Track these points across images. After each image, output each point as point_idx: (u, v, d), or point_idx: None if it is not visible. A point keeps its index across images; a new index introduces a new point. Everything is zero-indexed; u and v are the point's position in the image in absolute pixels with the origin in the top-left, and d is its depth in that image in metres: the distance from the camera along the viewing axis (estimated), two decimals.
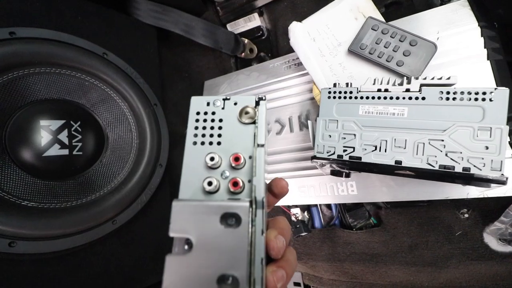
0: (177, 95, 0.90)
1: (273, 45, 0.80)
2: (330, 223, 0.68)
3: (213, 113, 0.24)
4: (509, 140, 0.43)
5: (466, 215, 0.55)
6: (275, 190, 0.31)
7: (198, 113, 0.24)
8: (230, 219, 0.20)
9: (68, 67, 0.58)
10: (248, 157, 0.23)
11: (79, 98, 0.60)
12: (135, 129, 0.65)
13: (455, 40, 0.47)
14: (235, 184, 0.22)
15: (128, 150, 0.64)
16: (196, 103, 0.24)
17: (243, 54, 0.82)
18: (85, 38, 0.62)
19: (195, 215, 0.20)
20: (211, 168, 0.23)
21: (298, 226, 0.66)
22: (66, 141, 0.57)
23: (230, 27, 0.82)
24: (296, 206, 0.71)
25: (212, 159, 0.22)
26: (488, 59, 0.45)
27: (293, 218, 0.70)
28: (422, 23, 0.50)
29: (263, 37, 0.81)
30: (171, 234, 0.20)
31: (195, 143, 0.23)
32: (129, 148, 0.64)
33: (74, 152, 0.58)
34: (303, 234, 0.66)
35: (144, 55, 0.74)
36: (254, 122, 0.24)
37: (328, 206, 0.69)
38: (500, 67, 0.44)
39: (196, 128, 0.24)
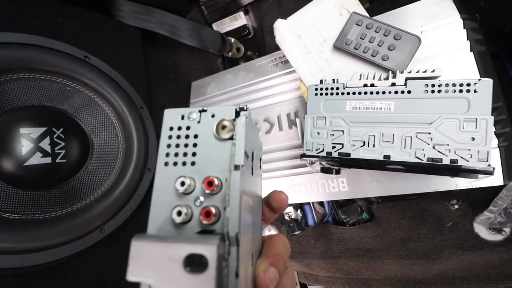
0: (164, 97, 0.88)
1: (260, 44, 0.79)
2: (323, 220, 0.68)
3: (188, 128, 0.21)
4: (495, 130, 0.44)
5: (456, 206, 0.56)
6: (273, 204, 0.28)
7: (171, 129, 0.21)
8: (195, 262, 0.16)
9: (48, 72, 0.56)
10: (225, 180, 0.19)
11: (61, 104, 0.58)
12: (121, 133, 0.63)
13: (439, 32, 0.47)
14: (207, 214, 0.18)
15: (114, 156, 0.62)
16: (169, 117, 0.21)
17: (230, 53, 0.81)
18: (66, 42, 0.60)
19: (155, 257, 0.17)
20: (183, 193, 0.19)
21: (291, 225, 0.66)
22: (48, 149, 0.55)
23: (216, 26, 0.81)
24: (289, 205, 0.71)
25: (182, 184, 0.19)
26: (471, 51, 0.45)
27: (286, 217, 0.70)
28: (406, 17, 0.50)
29: (250, 36, 0.81)
30: (129, 278, 0.17)
31: (166, 163, 0.20)
32: (115, 153, 0.63)
33: (58, 160, 0.56)
34: (296, 233, 0.66)
35: (128, 57, 0.72)
36: (232, 138, 0.20)
37: (321, 203, 0.68)
38: (483, 58, 0.45)
39: (169, 146, 0.20)
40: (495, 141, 0.43)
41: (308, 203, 0.69)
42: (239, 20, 0.79)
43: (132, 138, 0.63)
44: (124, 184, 0.60)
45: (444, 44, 0.47)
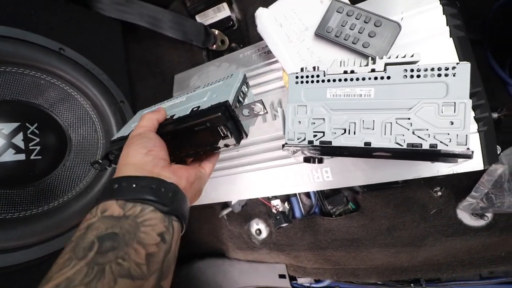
0: (148, 91, 0.86)
1: (244, 35, 0.78)
2: (310, 212, 0.68)
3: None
4: (474, 115, 0.44)
5: (439, 193, 0.56)
6: None
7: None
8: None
9: (21, 65, 0.54)
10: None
11: (35, 98, 0.56)
12: (100, 128, 0.62)
13: (419, 19, 0.47)
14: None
15: (93, 151, 0.61)
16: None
17: (214, 46, 0.79)
18: (40, 34, 0.57)
19: None
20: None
21: (278, 217, 0.65)
22: (21, 145, 0.53)
23: (199, 18, 0.80)
24: (276, 198, 0.70)
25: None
26: (451, 36, 0.45)
27: (273, 210, 0.69)
28: (387, 4, 0.50)
29: (234, 28, 0.79)
30: None
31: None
32: (94, 149, 0.61)
33: (32, 157, 0.54)
34: (283, 225, 0.65)
35: (108, 50, 0.70)
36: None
37: (307, 195, 0.68)
38: (463, 43, 0.45)
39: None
40: (474, 126, 0.43)
41: (295, 195, 0.69)
42: (223, 11, 0.77)
43: (112, 132, 0.62)
44: (104, 181, 0.59)
45: (425, 30, 0.47)
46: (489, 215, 0.55)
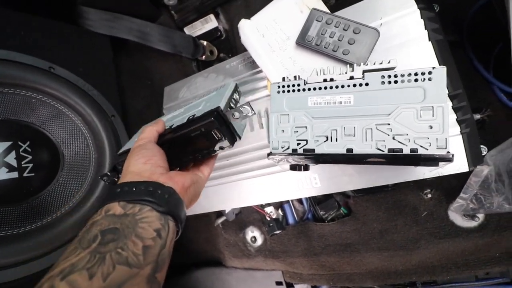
0: (140, 104, 0.87)
1: (232, 45, 0.79)
2: (303, 218, 0.68)
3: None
4: (456, 117, 0.44)
5: (429, 195, 0.56)
6: None
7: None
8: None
9: (11, 85, 0.56)
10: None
11: (27, 117, 0.57)
12: (92, 143, 0.63)
13: (398, 24, 0.48)
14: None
15: (86, 166, 0.62)
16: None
17: (203, 56, 0.81)
18: (29, 54, 0.59)
19: None
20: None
21: (271, 225, 0.66)
22: (14, 163, 0.54)
23: (187, 30, 0.81)
24: (269, 205, 0.70)
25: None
26: (429, 40, 0.45)
27: (267, 217, 0.69)
28: (366, 11, 0.50)
29: (222, 38, 0.81)
30: None
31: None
32: (87, 163, 0.62)
33: (25, 174, 0.55)
34: (277, 232, 0.66)
35: (98, 65, 0.72)
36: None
37: (300, 201, 0.68)
38: (441, 46, 0.45)
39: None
40: (457, 128, 0.44)
41: (288, 202, 0.69)
42: (210, 23, 0.78)
43: (104, 147, 0.63)
44: (98, 194, 0.60)
45: (404, 35, 0.47)
46: (481, 215, 0.54)
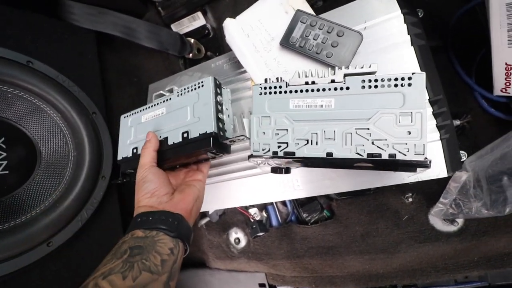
0: (126, 101, 0.86)
1: (220, 44, 0.78)
2: (287, 220, 0.67)
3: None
4: (436, 123, 0.44)
5: (411, 199, 0.57)
6: None
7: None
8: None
9: None
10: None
11: (2, 112, 0.56)
12: (71, 140, 0.61)
13: (381, 28, 0.48)
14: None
15: (64, 164, 0.60)
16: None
17: (191, 54, 0.79)
18: (7, 47, 0.57)
19: None
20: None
21: (254, 226, 0.65)
22: None
23: (174, 27, 0.80)
24: (253, 206, 0.70)
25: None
26: (412, 45, 0.45)
27: (250, 219, 0.69)
28: (351, 14, 0.50)
29: (210, 36, 0.80)
30: None
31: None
32: (65, 162, 0.60)
33: None
34: (259, 234, 0.65)
35: (81, 61, 0.70)
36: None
37: (283, 203, 0.68)
38: (423, 51, 0.45)
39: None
40: (437, 134, 0.44)
41: (272, 204, 0.69)
42: (198, 20, 0.77)
43: (84, 145, 0.61)
44: (75, 194, 0.58)
45: (387, 39, 0.47)
46: (460, 220, 0.55)
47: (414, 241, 0.56)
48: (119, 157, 0.55)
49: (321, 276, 0.65)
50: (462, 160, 0.48)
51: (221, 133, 0.47)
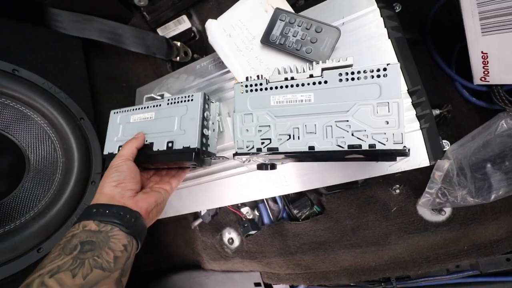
0: (115, 106, 0.85)
1: (206, 46, 0.78)
2: (278, 217, 0.68)
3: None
4: (416, 113, 0.45)
5: (398, 191, 0.57)
6: None
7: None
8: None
9: None
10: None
11: None
12: (60, 147, 0.61)
13: (359, 22, 0.48)
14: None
15: (53, 171, 0.60)
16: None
17: (178, 57, 0.80)
18: None
19: None
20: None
21: (246, 225, 0.65)
22: None
23: (161, 31, 0.80)
24: (244, 205, 0.70)
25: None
26: (389, 38, 0.46)
27: (243, 218, 0.69)
28: (329, 10, 0.51)
29: (196, 39, 0.80)
30: None
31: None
32: (54, 168, 0.60)
33: None
34: (252, 232, 0.65)
35: (67, 68, 0.70)
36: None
37: (274, 200, 0.68)
38: (400, 44, 0.46)
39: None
40: (417, 124, 0.44)
41: (263, 202, 0.69)
42: (183, 24, 0.78)
43: (72, 150, 0.61)
44: (64, 199, 0.58)
45: (365, 33, 0.48)
46: (448, 209, 0.56)
47: (403, 232, 0.57)
48: (105, 152, 0.57)
49: (315, 272, 0.65)
50: (444, 149, 0.49)
51: (204, 148, 0.51)
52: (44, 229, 0.54)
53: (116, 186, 0.43)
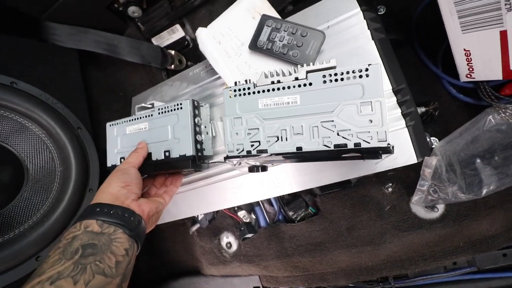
0: (113, 115, 0.88)
1: (200, 54, 0.80)
2: (274, 219, 0.68)
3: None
4: (401, 111, 0.46)
5: (391, 189, 0.57)
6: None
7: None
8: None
9: None
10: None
11: None
12: (57, 156, 0.62)
13: (344, 25, 0.50)
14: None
15: (51, 180, 0.61)
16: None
17: (173, 66, 0.82)
18: None
19: None
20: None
21: (242, 229, 0.66)
22: None
23: (155, 41, 0.82)
24: (241, 209, 0.71)
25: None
26: (372, 39, 0.47)
27: (239, 222, 0.69)
28: (315, 15, 0.52)
29: (190, 47, 0.82)
30: None
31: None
32: (52, 177, 0.61)
33: None
34: (248, 235, 0.66)
35: (64, 79, 0.72)
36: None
37: (270, 203, 0.69)
38: (384, 45, 0.47)
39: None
40: (402, 122, 0.45)
41: (258, 204, 0.69)
42: (177, 33, 0.80)
43: (70, 159, 0.63)
44: (62, 208, 0.59)
45: (350, 35, 0.49)
46: (441, 206, 0.56)
47: (398, 230, 0.57)
48: (109, 164, 0.59)
49: (313, 274, 0.65)
50: (433, 146, 0.49)
51: (200, 153, 0.52)
52: (42, 237, 0.55)
53: (123, 187, 0.42)
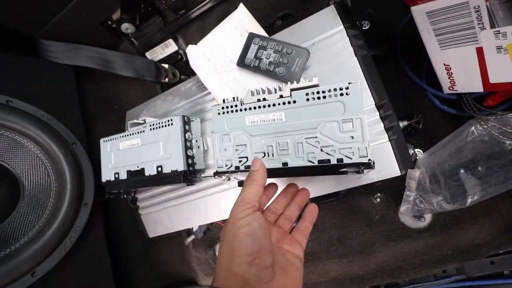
0: (109, 129, 0.89)
1: None
2: None
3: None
4: (384, 125, 0.47)
5: (379, 200, 0.59)
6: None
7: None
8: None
9: None
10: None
11: None
12: (53, 172, 0.64)
13: (328, 42, 0.51)
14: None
15: (47, 195, 0.62)
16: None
17: (166, 79, 0.83)
18: None
19: None
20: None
21: None
22: None
23: (149, 55, 0.84)
24: None
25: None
26: (355, 55, 0.49)
27: None
28: (300, 32, 0.54)
29: (183, 60, 0.84)
30: None
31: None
32: (47, 192, 0.62)
33: None
34: None
35: (59, 95, 0.74)
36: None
37: None
38: (366, 61, 0.49)
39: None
40: (385, 136, 0.46)
41: None
42: (170, 47, 0.82)
43: (65, 175, 0.64)
44: (58, 223, 0.60)
45: (334, 52, 0.51)
46: (428, 216, 0.57)
47: (387, 240, 0.58)
48: (103, 179, 0.61)
49: (306, 284, 0.66)
50: (417, 157, 0.51)
51: (191, 168, 0.54)
52: (38, 253, 0.56)
53: (250, 264, 0.29)
